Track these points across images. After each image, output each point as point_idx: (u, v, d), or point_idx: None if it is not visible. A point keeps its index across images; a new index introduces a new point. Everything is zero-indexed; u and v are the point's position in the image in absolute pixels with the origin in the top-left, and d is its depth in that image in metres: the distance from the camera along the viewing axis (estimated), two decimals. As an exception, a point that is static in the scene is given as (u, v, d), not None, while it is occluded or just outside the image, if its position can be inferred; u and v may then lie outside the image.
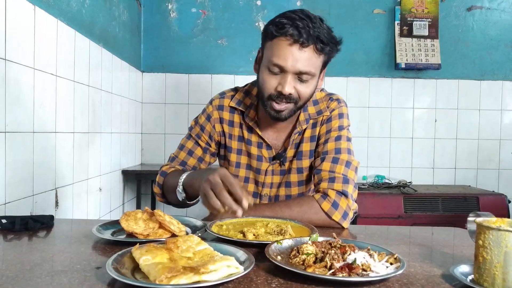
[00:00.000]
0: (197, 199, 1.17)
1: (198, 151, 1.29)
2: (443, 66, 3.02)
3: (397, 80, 3.07)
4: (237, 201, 0.89)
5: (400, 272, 0.67)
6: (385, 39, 3.05)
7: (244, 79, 2.95)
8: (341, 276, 0.66)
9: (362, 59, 3.03)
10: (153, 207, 2.89)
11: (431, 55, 3.03)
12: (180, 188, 1.11)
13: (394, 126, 3.09)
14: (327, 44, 1.08)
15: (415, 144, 3.10)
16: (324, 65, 1.15)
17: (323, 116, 1.24)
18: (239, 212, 0.89)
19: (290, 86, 1.09)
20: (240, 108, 1.27)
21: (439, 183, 3.09)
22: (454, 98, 3.09)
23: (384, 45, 3.05)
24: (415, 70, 3.04)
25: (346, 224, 1.09)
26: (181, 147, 1.31)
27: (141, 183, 2.74)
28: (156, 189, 1.27)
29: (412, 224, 2.45)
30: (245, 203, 0.90)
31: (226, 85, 2.82)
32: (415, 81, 3.07)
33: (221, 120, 1.29)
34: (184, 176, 1.11)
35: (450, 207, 2.59)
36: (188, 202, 1.15)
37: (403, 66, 2.98)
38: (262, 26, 3.02)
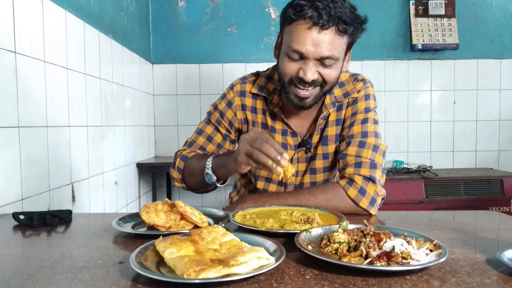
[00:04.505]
0: (226, 181, 1.15)
1: (218, 138, 1.25)
2: (461, 45, 2.92)
3: (413, 62, 2.98)
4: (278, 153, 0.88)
5: (443, 259, 0.63)
6: (400, 19, 2.95)
7: (255, 67, 2.87)
8: (380, 265, 0.61)
9: (376, 42, 2.94)
10: (169, 199, 2.88)
11: (448, 35, 2.93)
12: (209, 171, 1.07)
13: (411, 109, 3.01)
14: (350, 25, 1.01)
15: (433, 127, 3.01)
16: (349, 46, 1.08)
17: (349, 98, 1.17)
18: (283, 161, 0.87)
19: (312, 72, 1.02)
20: (263, 94, 1.21)
21: (459, 167, 3.01)
22: (473, 78, 2.99)
23: (399, 26, 2.95)
24: (431, 51, 2.94)
25: (374, 210, 1.04)
26: (200, 132, 1.27)
27: (156, 176, 2.72)
28: (176, 174, 1.22)
29: (434, 209, 2.39)
30: (286, 155, 0.87)
31: (237, 73, 2.76)
32: (432, 63, 2.98)
33: (243, 107, 1.24)
34: (211, 159, 1.08)
35: (472, 191, 2.52)
36: (218, 185, 1.13)
37: (419, 47, 2.88)
38: (272, 12, 2.95)
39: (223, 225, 0.83)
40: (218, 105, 1.26)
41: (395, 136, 3.00)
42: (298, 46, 1.01)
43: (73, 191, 1.60)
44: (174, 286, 0.56)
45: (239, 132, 1.28)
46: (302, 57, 1.02)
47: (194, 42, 2.96)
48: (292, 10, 1.01)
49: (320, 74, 1.04)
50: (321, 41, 0.99)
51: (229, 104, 1.24)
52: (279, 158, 0.87)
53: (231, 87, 1.26)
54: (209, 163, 1.08)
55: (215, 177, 1.09)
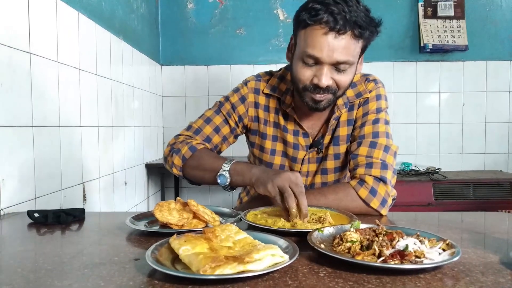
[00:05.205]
0: (235, 188, 1.12)
1: (225, 130, 1.23)
2: (470, 47, 2.90)
3: (422, 64, 2.97)
4: (300, 210, 0.88)
5: (456, 258, 0.63)
6: (409, 21, 2.95)
7: (263, 69, 2.88)
8: (393, 264, 0.62)
9: (385, 43, 2.94)
10: (176, 200, 2.89)
11: (458, 36, 2.92)
12: (226, 174, 1.05)
13: (420, 111, 2.99)
14: (365, 29, 1.00)
15: (442, 129, 3.00)
16: (363, 49, 1.07)
17: (361, 98, 1.17)
18: (305, 220, 0.88)
19: (327, 78, 1.02)
20: (275, 94, 1.21)
21: (468, 169, 2.99)
22: (483, 80, 2.97)
23: (407, 27, 2.95)
24: (440, 52, 2.93)
25: (384, 211, 1.04)
26: (208, 120, 1.23)
27: (165, 177, 2.73)
28: (178, 161, 1.16)
29: (442, 211, 2.38)
30: (307, 216, 0.88)
31: (246, 75, 2.76)
32: (441, 64, 2.97)
33: (256, 105, 1.23)
34: (229, 163, 1.06)
35: (482, 193, 2.50)
36: (228, 189, 1.11)
37: (430, 46, 2.87)
38: (280, 14, 2.96)
39: (235, 224, 0.84)
40: (230, 97, 1.24)
41: (403, 138, 2.98)
42: (313, 51, 1.00)
43: (84, 191, 1.62)
44: (190, 282, 0.57)
45: (246, 129, 1.27)
46: (317, 62, 1.02)
47: (203, 43, 2.97)
48: (306, 14, 1.00)
49: (334, 80, 1.04)
50: (337, 46, 0.98)
51: (242, 99, 1.23)
52: (294, 219, 0.87)
53: (245, 83, 1.25)
54: (226, 166, 1.05)
55: (229, 180, 1.07)
